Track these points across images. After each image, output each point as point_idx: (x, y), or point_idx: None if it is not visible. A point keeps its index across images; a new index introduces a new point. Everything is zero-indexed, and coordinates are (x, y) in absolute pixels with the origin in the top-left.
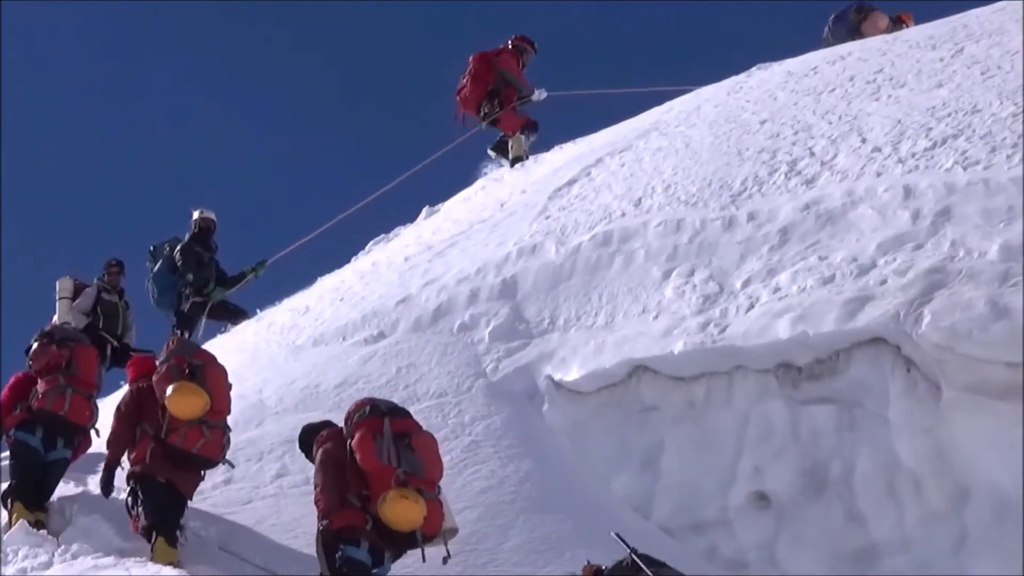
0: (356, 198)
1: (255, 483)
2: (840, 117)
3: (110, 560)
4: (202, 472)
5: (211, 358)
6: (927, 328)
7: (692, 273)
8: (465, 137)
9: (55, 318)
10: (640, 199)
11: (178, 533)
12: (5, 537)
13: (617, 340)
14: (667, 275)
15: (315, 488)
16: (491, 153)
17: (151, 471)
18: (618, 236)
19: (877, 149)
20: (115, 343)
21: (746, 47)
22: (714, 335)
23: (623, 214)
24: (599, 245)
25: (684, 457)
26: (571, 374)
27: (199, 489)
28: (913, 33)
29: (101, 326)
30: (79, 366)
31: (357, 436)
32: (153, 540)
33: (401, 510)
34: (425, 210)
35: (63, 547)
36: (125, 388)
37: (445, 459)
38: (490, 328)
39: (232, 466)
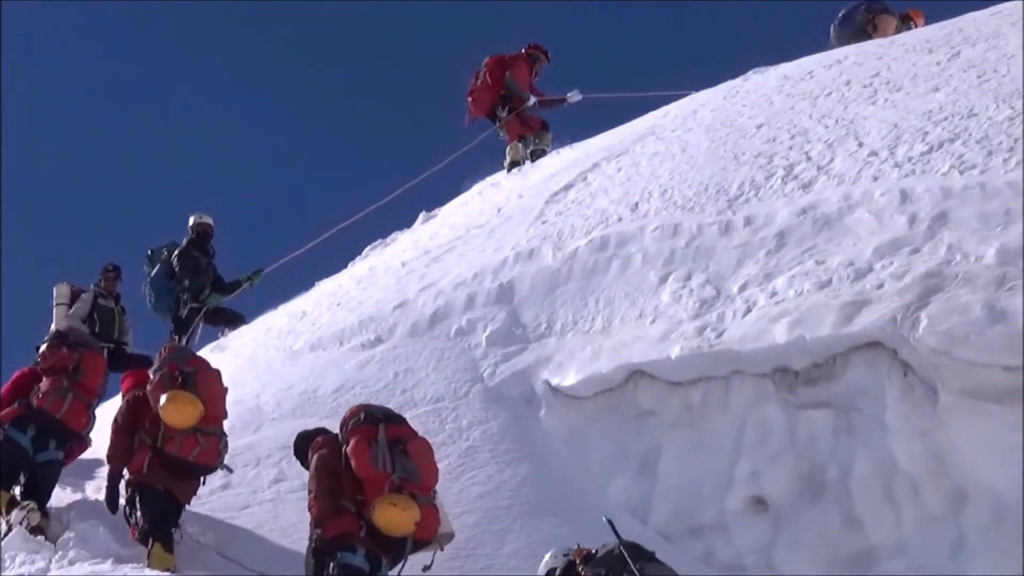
0: (354, 199)
1: (253, 488)
2: (836, 121)
3: (107, 566)
4: (201, 478)
5: (204, 364)
6: (924, 332)
7: (689, 277)
8: (474, 144)
9: (52, 325)
10: (637, 204)
11: (174, 531)
12: (3, 543)
13: (614, 345)
14: (664, 280)
15: (309, 494)
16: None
17: (149, 480)
18: (615, 241)
19: (874, 153)
20: (111, 348)
21: (742, 51)
22: (711, 340)
23: (620, 219)
24: (596, 250)
25: (681, 461)
26: (568, 379)
27: (197, 494)
28: (909, 37)
29: (97, 331)
30: (85, 372)
31: (352, 442)
32: (150, 546)
33: (391, 517)
34: (422, 215)
35: (60, 553)
36: (119, 398)
37: (442, 464)
38: (487, 333)
39: (230, 471)
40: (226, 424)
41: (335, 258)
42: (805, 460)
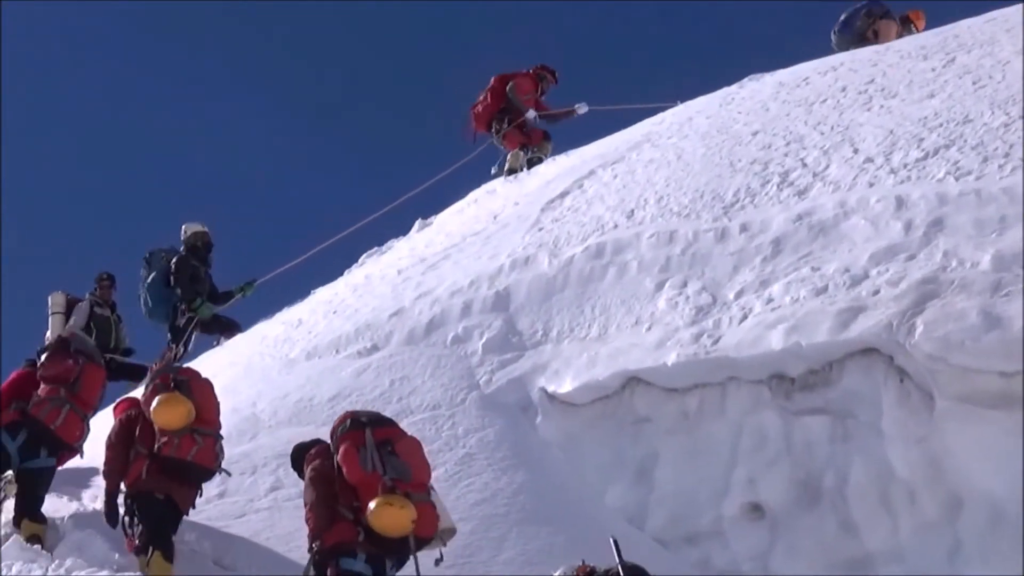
0: (351, 205)
1: (249, 496)
2: (832, 128)
3: (105, 574)
4: (200, 486)
5: (196, 374)
6: (920, 338)
7: (685, 284)
8: (472, 156)
9: (48, 333)
10: (633, 211)
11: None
12: (0, 551)
13: (610, 352)
14: (660, 287)
15: (305, 506)
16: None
17: (148, 486)
18: (611, 248)
19: (869, 160)
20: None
21: (738, 58)
22: (707, 346)
23: (616, 226)
24: (592, 257)
25: (678, 468)
26: (564, 386)
27: (195, 506)
28: (905, 43)
29: (94, 340)
30: (84, 385)
31: (341, 450)
32: (150, 554)
33: (388, 517)
34: (418, 223)
35: (57, 562)
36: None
37: (439, 471)
38: (483, 340)
39: (228, 474)
40: (223, 433)
41: (331, 266)
42: (801, 466)
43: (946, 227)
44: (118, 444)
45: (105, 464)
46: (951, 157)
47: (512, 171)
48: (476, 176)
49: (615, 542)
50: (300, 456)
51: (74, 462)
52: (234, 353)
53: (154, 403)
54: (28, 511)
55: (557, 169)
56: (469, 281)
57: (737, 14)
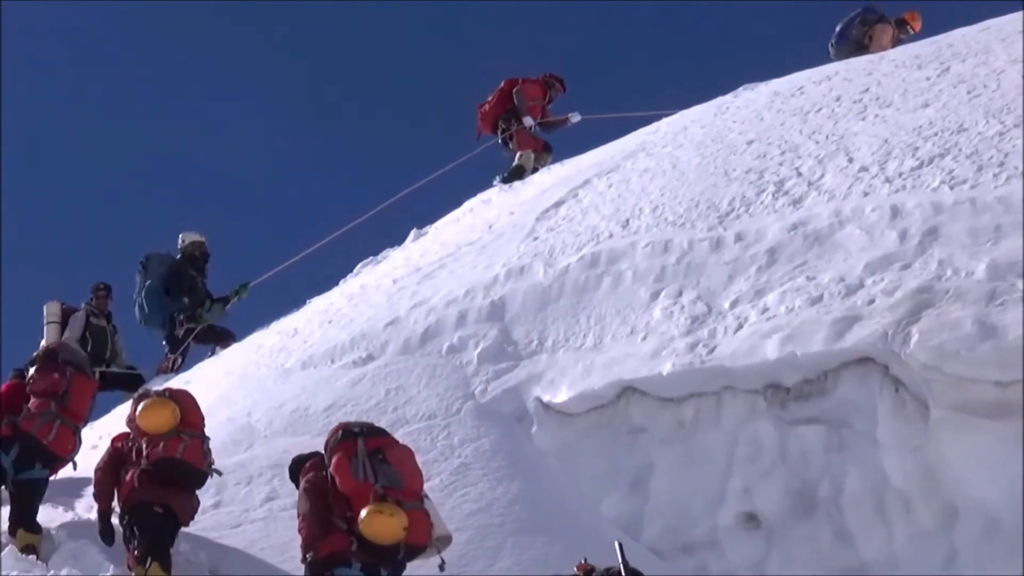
0: (350, 206)
1: (245, 506)
2: (827, 137)
3: None
4: (195, 493)
5: (182, 390)
6: (915, 348)
7: (680, 294)
8: (472, 155)
9: (43, 342)
10: (628, 220)
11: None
12: None
13: (606, 361)
14: (655, 296)
15: (298, 517)
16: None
17: (143, 497)
18: (606, 257)
19: (864, 169)
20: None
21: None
22: (703, 356)
23: (611, 235)
24: (587, 266)
25: (673, 478)
26: (560, 396)
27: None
28: (899, 53)
29: (90, 351)
30: (73, 397)
31: (334, 460)
32: (148, 565)
33: (378, 524)
34: (413, 232)
35: (52, 572)
36: (110, 415)
37: (434, 481)
38: (479, 350)
39: (219, 473)
40: (217, 442)
41: (326, 275)
42: (797, 476)
43: (941, 236)
44: (107, 467)
45: (94, 487)
46: (946, 166)
47: (520, 169)
48: (472, 185)
49: (620, 545)
50: (297, 468)
51: (68, 472)
52: (229, 363)
53: (139, 409)
54: (23, 521)
55: (552, 178)
56: (464, 291)
57: (731, 24)
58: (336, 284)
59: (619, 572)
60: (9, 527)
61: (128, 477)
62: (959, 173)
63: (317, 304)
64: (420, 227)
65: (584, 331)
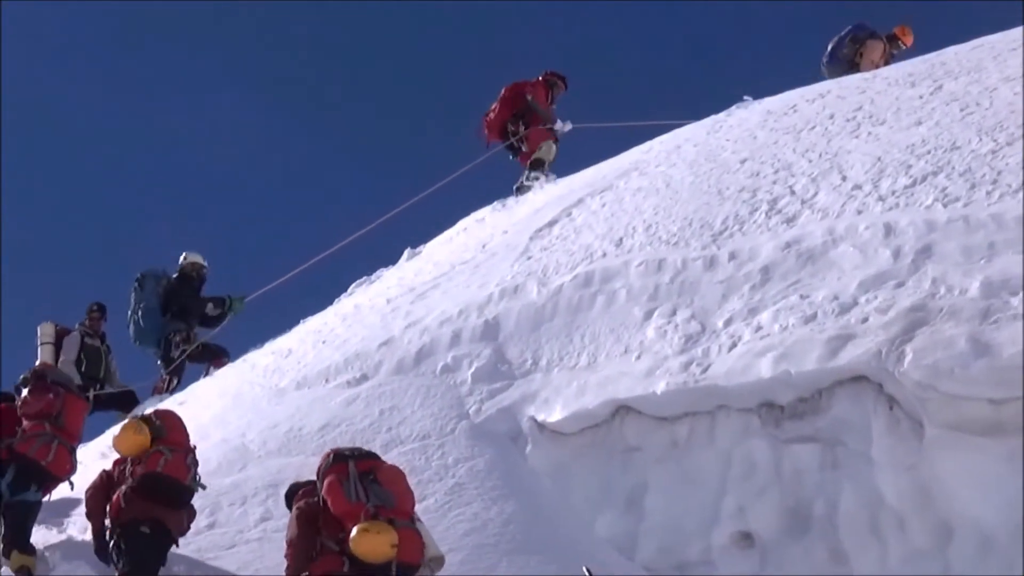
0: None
1: (239, 527)
2: (820, 155)
3: None
4: (184, 508)
5: (166, 411)
6: (909, 366)
7: (674, 313)
8: (479, 162)
9: (37, 363)
10: (621, 239)
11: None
12: None
13: (600, 380)
14: (649, 315)
15: (286, 543)
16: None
17: (131, 514)
18: (599, 276)
19: (857, 187)
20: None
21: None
22: (696, 375)
23: (604, 254)
24: (581, 286)
25: (668, 497)
26: (554, 415)
27: (184, 534)
28: (892, 71)
29: (84, 371)
30: (67, 417)
31: (326, 483)
32: None
33: (367, 543)
34: (407, 252)
35: None
36: (104, 436)
37: (428, 501)
38: (473, 370)
39: (203, 487)
40: (212, 463)
41: (320, 295)
42: (791, 495)
43: (934, 254)
44: (97, 489)
45: (86, 507)
46: (939, 184)
47: (540, 162)
48: (466, 204)
49: (588, 571)
50: (292, 495)
51: (63, 493)
52: (223, 383)
53: (115, 431)
54: (17, 543)
55: (546, 198)
56: (458, 310)
57: (724, 41)
58: (330, 304)
59: None
60: (3, 549)
61: (115, 497)
62: (952, 191)
63: (311, 324)
64: (414, 246)
65: (578, 350)
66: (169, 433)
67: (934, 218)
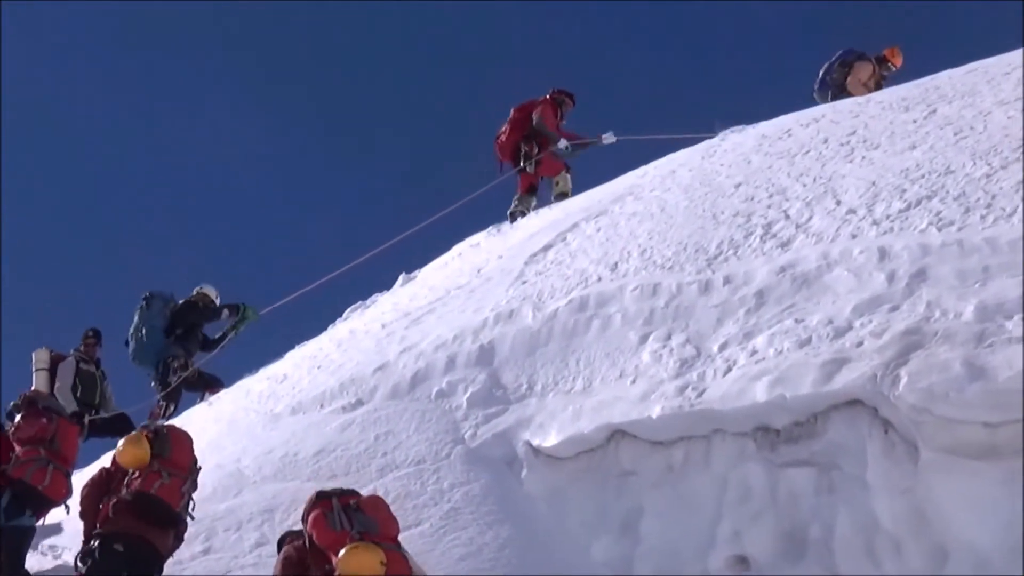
0: (337, 255)
1: (234, 553)
2: (814, 179)
3: None
4: (172, 531)
5: (176, 428)
6: (904, 389)
7: (669, 337)
8: (494, 184)
9: (30, 390)
10: (616, 263)
11: None
12: None
13: (595, 405)
14: (644, 339)
15: None
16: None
17: (117, 527)
18: (594, 301)
19: (852, 211)
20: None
21: (720, 111)
22: (692, 399)
23: (599, 279)
24: (576, 310)
25: (663, 521)
26: (549, 439)
27: (177, 559)
28: (885, 95)
29: (79, 397)
30: (61, 442)
31: (310, 519)
32: None
33: (355, 560)
34: (402, 277)
35: None
36: (100, 462)
37: (424, 526)
38: (468, 394)
39: (192, 518)
40: (207, 488)
41: (315, 320)
42: (787, 518)
43: (929, 278)
44: (93, 486)
45: (80, 504)
46: (933, 208)
47: (563, 195)
48: (461, 230)
49: None
50: (282, 541)
51: (58, 517)
52: (218, 409)
53: (119, 444)
54: (11, 569)
55: (541, 222)
56: (453, 335)
57: (717, 67)
58: (325, 329)
59: None
60: None
61: (105, 505)
62: (946, 215)
63: (306, 349)
64: (409, 271)
65: (573, 375)
66: (172, 453)
67: (928, 242)
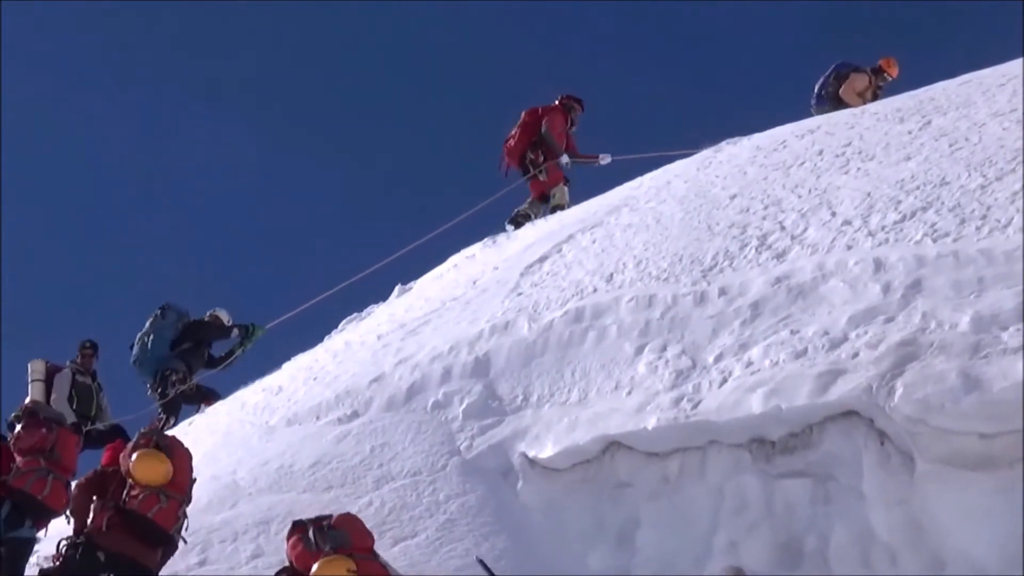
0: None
1: (230, 564)
2: (810, 191)
3: None
4: (160, 550)
5: (178, 441)
6: (900, 401)
7: (664, 348)
8: (502, 193)
9: (27, 400)
10: (612, 275)
11: None
12: None
13: (590, 416)
14: (640, 351)
15: None
16: (508, 227)
17: (107, 542)
18: (590, 312)
19: (847, 222)
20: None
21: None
22: (687, 410)
23: (595, 290)
24: (571, 321)
25: (659, 532)
26: (545, 451)
27: (173, 571)
28: (881, 106)
29: (75, 408)
30: (61, 451)
31: (288, 546)
32: None
33: (325, 569)
34: (398, 288)
35: None
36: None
37: (420, 537)
38: (464, 406)
39: (185, 542)
40: (202, 501)
41: (311, 332)
42: (783, 530)
43: (924, 289)
44: (87, 485)
45: (72, 502)
46: (928, 219)
47: (559, 207)
48: (457, 241)
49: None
50: None
51: (58, 528)
52: (214, 421)
53: (133, 456)
54: None
55: (536, 234)
56: (449, 347)
57: (712, 78)
58: (320, 340)
59: None
60: None
61: (100, 513)
62: (942, 226)
63: (301, 361)
64: (404, 283)
65: (569, 386)
66: (176, 475)
67: (924, 253)
